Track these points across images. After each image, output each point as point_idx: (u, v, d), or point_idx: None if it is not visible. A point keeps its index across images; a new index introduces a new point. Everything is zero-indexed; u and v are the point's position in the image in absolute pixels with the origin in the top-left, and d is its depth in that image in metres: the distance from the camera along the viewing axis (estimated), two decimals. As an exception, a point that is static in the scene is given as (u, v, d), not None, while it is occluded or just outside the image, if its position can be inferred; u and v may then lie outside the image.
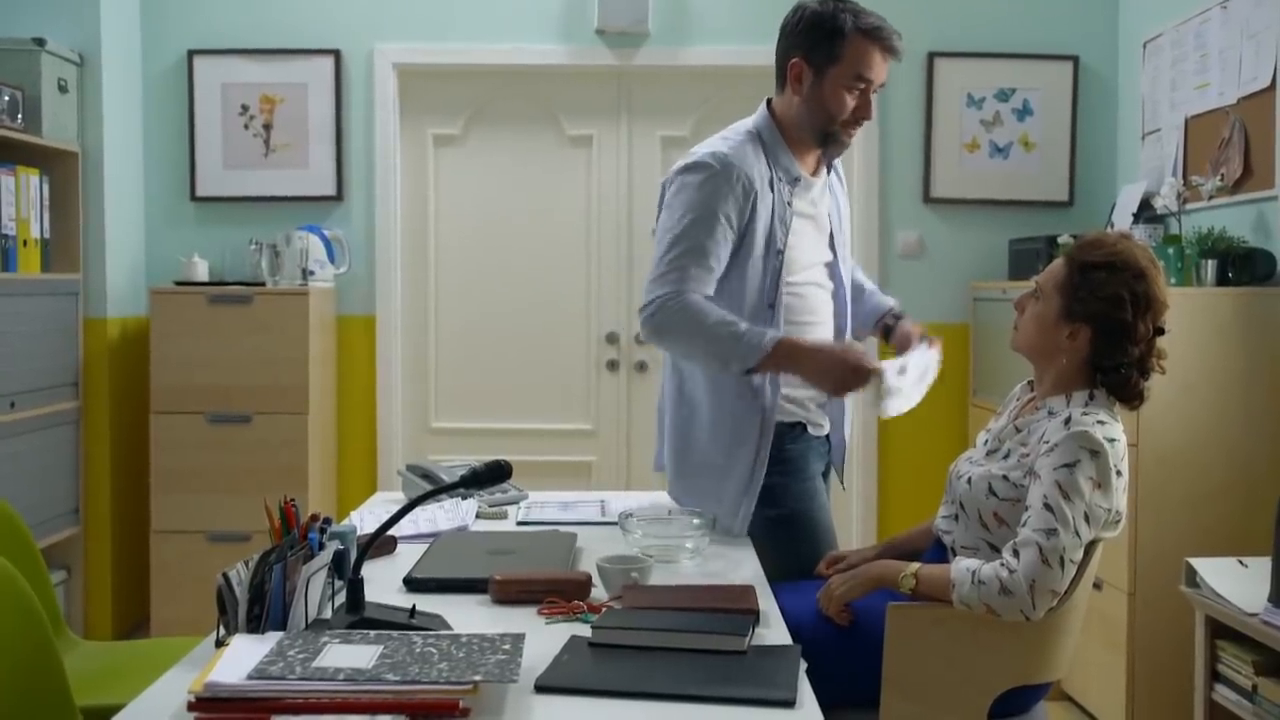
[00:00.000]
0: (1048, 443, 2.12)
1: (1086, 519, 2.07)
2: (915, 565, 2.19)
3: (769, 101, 2.62)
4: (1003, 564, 2.06)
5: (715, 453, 2.56)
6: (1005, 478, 2.18)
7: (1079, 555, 2.08)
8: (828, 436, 2.71)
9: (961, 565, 2.12)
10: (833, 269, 2.70)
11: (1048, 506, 2.06)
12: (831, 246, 2.69)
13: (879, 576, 2.21)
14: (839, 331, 2.72)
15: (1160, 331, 2.20)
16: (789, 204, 2.54)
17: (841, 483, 2.85)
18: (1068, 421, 2.13)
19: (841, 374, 2.45)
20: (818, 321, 2.64)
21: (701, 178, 2.47)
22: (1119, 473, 2.12)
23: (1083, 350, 2.19)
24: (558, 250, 4.89)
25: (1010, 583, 2.03)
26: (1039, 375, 2.29)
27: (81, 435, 4.32)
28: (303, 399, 4.30)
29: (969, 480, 2.24)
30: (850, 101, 2.50)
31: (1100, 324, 2.17)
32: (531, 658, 1.68)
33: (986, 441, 2.35)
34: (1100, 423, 2.12)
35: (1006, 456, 2.23)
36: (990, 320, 4.39)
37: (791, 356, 2.44)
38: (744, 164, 2.48)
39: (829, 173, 2.69)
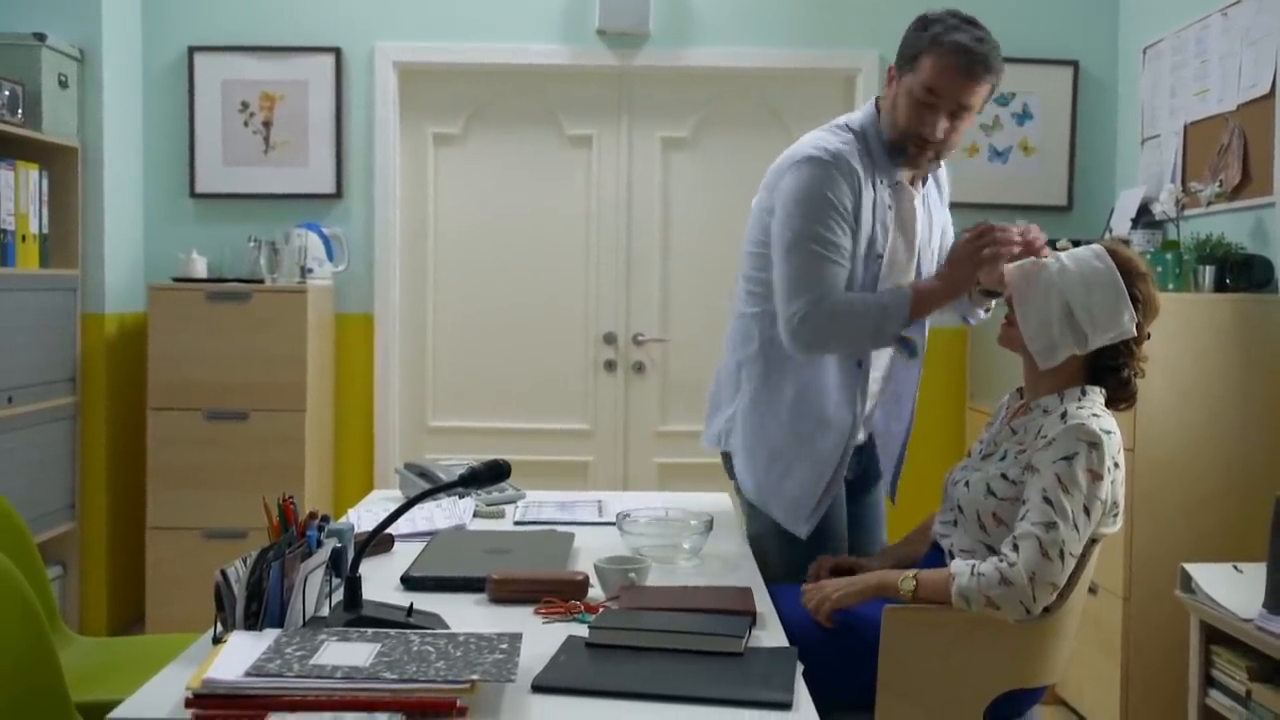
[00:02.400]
0: (1045, 437, 2.14)
1: (1086, 511, 2.08)
2: (913, 570, 2.20)
3: (877, 100, 2.55)
4: (1002, 557, 2.08)
5: (793, 442, 2.52)
6: (1004, 476, 2.19)
7: (1078, 549, 2.09)
8: (861, 447, 2.66)
9: (955, 565, 2.13)
10: None
11: (1047, 500, 2.07)
12: (918, 269, 2.61)
13: (878, 585, 2.21)
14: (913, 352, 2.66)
15: (1147, 336, 2.25)
16: (890, 207, 2.49)
17: (891, 498, 2.80)
18: (1064, 416, 2.15)
19: (969, 254, 2.37)
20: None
21: (812, 172, 2.40)
22: (1116, 464, 2.14)
23: (1086, 353, 2.22)
24: (557, 251, 4.89)
25: (1010, 574, 2.04)
26: (1031, 374, 2.30)
27: (79, 431, 4.32)
28: (300, 396, 4.30)
29: (966, 484, 2.25)
30: (919, 116, 2.40)
31: None
32: (528, 657, 1.69)
33: (981, 448, 2.36)
34: (1095, 415, 2.14)
35: (1003, 458, 2.24)
36: (988, 324, 4.37)
37: (927, 294, 2.44)
38: (851, 158, 2.42)
39: (923, 186, 2.59)
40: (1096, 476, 2.09)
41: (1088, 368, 2.23)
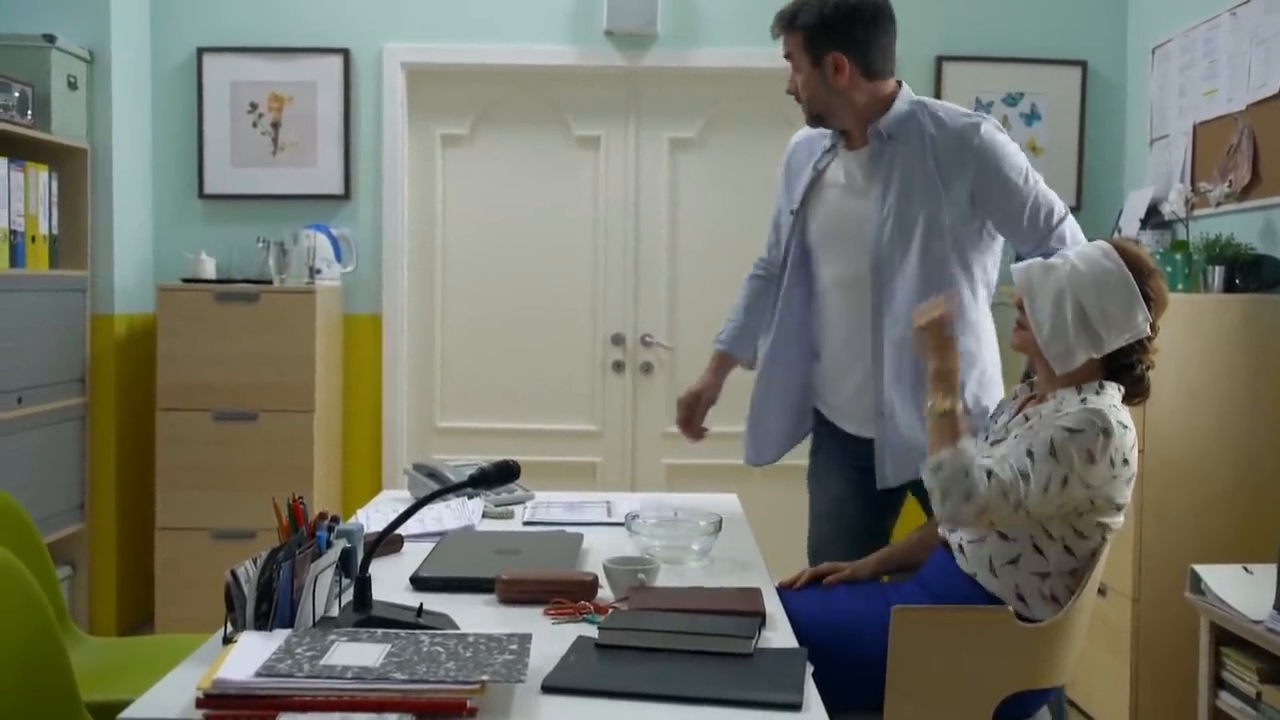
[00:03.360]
0: (1061, 411, 2.16)
1: (1064, 483, 2.09)
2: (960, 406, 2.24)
3: None
4: (987, 473, 2.12)
5: None
6: (1018, 449, 2.18)
7: (1038, 509, 2.12)
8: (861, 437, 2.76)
9: (971, 451, 2.16)
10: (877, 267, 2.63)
11: (1029, 453, 2.11)
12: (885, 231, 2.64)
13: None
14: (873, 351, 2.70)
15: (1156, 331, 2.25)
16: (819, 170, 2.75)
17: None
18: (1084, 402, 2.16)
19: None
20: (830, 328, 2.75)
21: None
22: (1125, 461, 2.13)
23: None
24: (564, 251, 4.90)
25: (978, 489, 2.10)
26: (1045, 373, 2.29)
27: (88, 431, 4.33)
28: (309, 397, 4.31)
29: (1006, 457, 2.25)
30: None
31: None
32: (538, 658, 1.69)
33: (990, 436, 2.36)
34: (1115, 408, 2.16)
35: (1016, 440, 2.23)
36: (996, 323, 4.37)
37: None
38: (804, 138, 2.85)
39: (879, 148, 2.65)
40: (1091, 458, 2.09)
41: (1103, 366, 2.23)
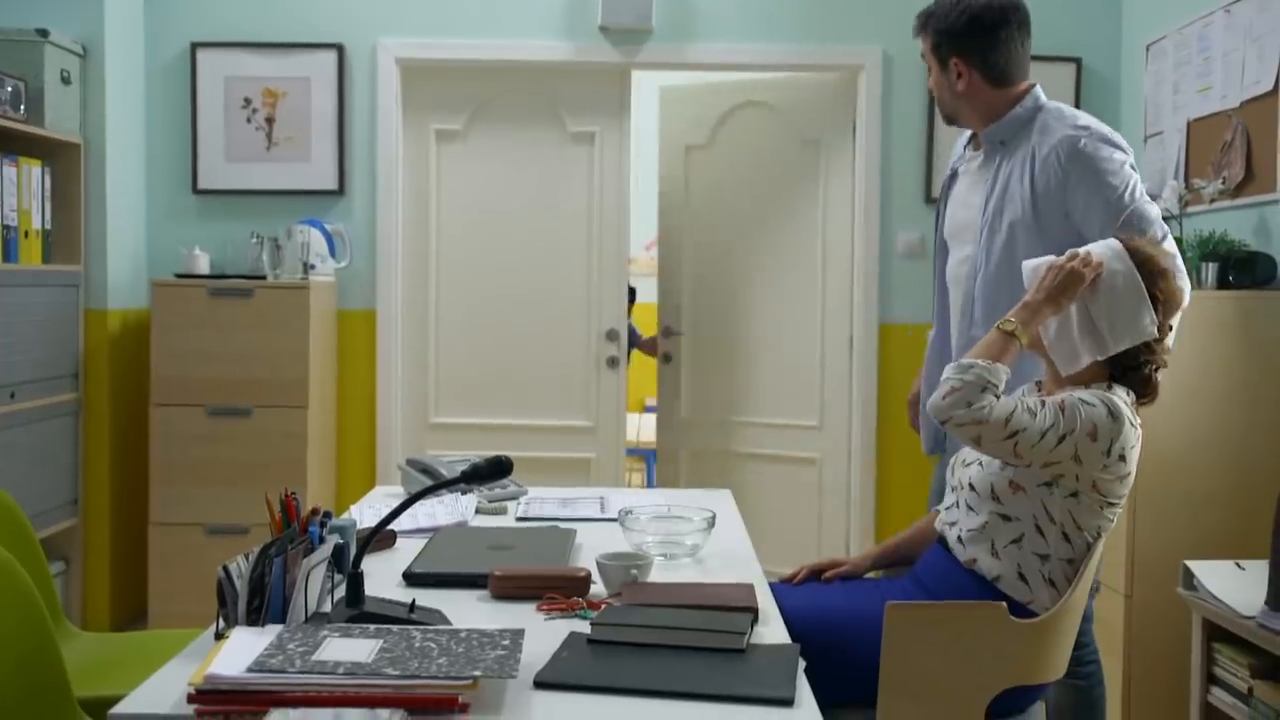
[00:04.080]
0: (1079, 390, 2.16)
1: (1060, 440, 2.09)
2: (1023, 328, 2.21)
3: None
4: (996, 395, 2.12)
5: None
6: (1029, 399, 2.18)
7: (1027, 452, 2.10)
8: None
9: (1003, 375, 2.15)
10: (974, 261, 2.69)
11: (1042, 402, 2.12)
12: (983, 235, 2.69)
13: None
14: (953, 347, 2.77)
15: (1170, 328, 2.26)
16: (953, 176, 2.86)
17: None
18: (1105, 388, 2.18)
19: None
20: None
21: None
22: (1122, 458, 2.13)
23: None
24: (559, 247, 4.89)
25: (988, 402, 2.09)
26: (1053, 373, 2.30)
27: (81, 427, 4.32)
28: (303, 393, 4.30)
29: (980, 463, 2.25)
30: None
31: None
32: (531, 654, 1.69)
33: (1042, 399, 2.36)
34: (1126, 404, 2.16)
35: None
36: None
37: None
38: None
39: (1000, 155, 2.70)
40: (1093, 435, 2.09)
41: (1109, 366, 2.23)
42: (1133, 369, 2.23)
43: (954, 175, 2.88)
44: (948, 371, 2.17)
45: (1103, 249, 2.24)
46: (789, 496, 5.05)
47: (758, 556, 2.45)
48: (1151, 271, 2.21)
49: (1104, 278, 2.20)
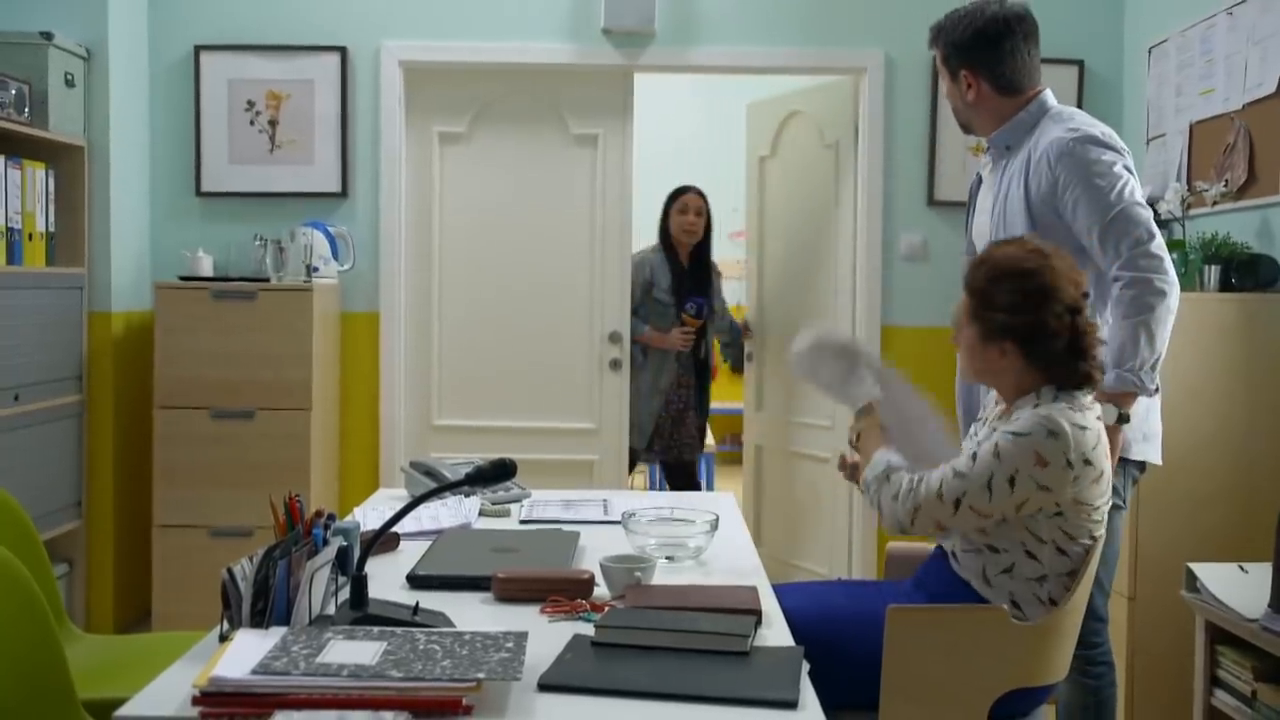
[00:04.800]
0: (1015, 419, 2.18)
1: (1011, 483, 2.11)
2: (876, 433, 2.39)
3: None
4: (917, 477, 2.22)
5: None
6: (964, 456, 2.21)
7: (987, 509, 2.14)
8: None
9: (885, 457, 2.29)
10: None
11: (973, 455, 2.16)
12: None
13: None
14: None
15: (1077, 310, 2.21)
16: (978, 178, 2.94)
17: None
18: (1036, 407, 2.19)
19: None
20: None
21: None
22: (1087, 462, 2.13)
23: (1019, 360, 2.23)
24: (561, 249, 4.90)
25: (903, 494, 2.21)
26: (1000, 392, 2.33)
27: (85, 429, 4.33)
28: (306, 395, 4.30)
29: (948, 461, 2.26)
30: None
31: (1016, 333, 2.21)
32: (534, 656, 1.69)
33: (974, 452, 2.37)
34: (1070, 409, 2.16)
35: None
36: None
37: None
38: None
39: (1006, 158, 2.77)
40: (1042, 461, 2.10)
41: (1037, 370, 2.23)
42: (1057, 366, 2.21)
43: (979, 180, 2.92)
44: (863, 486, 2.33)
45: (799, 345, 2.50)
46: (801, 494, 5.05)
47: (765, 554, 2.46)
48: (1004, 275, 2.23)
49: (806, 359, 2.47)
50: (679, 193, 5.00)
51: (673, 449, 4.97)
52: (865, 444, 2.41)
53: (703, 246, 5.02)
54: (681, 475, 5.04)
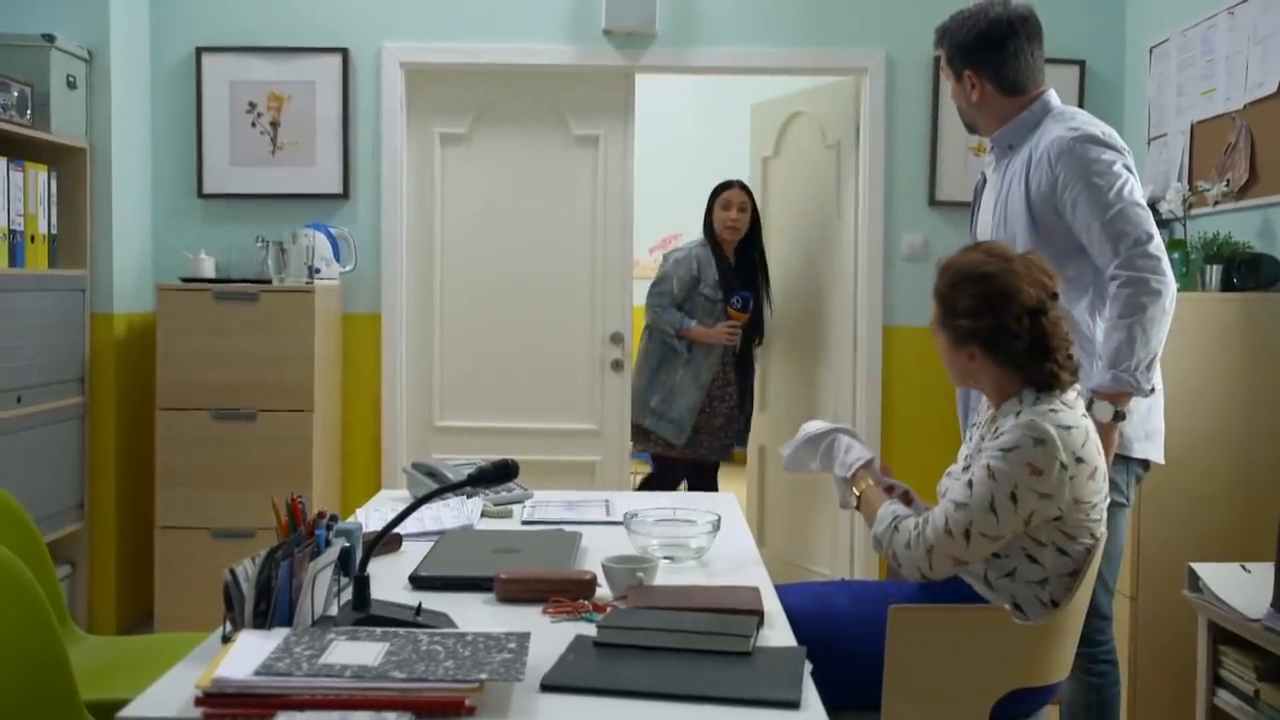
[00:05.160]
0: (999, 433, 2.18)
1: (1013, 499, 2.11)
2: (875, 490, 2.41)
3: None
4: (920, 522, 2.20)
5: None
6: (959, 484, 2.21)
7: (997, 530, 2.13)
8: None
9: (890, 509, 2.28)
10: None
11: (969, 483, 2.15)
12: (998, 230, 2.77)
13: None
14: None
15: (1039, 311, 2.20)
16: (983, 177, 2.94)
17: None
18: (1018, 414, 2.19)
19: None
20: None
21: None
22: (1079, 460, 2.14)
23: (988, 364, 2.25)
24: (563, 250, 4.90)
25: (914, 540, 2.18)
26: (987, 396, 2.35)
27: (87, 430, 4.33)
28: (308, 396, 4.31)
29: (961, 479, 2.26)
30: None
31: (980, 338, 2.23)
32: (537, 657, 1.69)
33: (966, 458, 2.38)
34: (1054, 411, 2.16)
35: (965, 472, 2.25)
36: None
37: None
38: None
39: (1007, 156, 2.79)
40: (1036, 470, 2.11)
41: (1009, 373, 2.23)
42: (1022, 367, 2.22)
43: (984, 180, 2.92)
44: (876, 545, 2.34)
45: (783, 451, 2.58)
46: (804, 495, 5.05)
47: (769, 555, 2.46)
48: (965, 279, 2.26)
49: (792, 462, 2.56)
50: (722, 188, 4.95)
51: (715, 449, 4.91)
52: (867, 506, 2.41)
53: (750, 241, 4.98)
54: (705, 475, 5.02)
